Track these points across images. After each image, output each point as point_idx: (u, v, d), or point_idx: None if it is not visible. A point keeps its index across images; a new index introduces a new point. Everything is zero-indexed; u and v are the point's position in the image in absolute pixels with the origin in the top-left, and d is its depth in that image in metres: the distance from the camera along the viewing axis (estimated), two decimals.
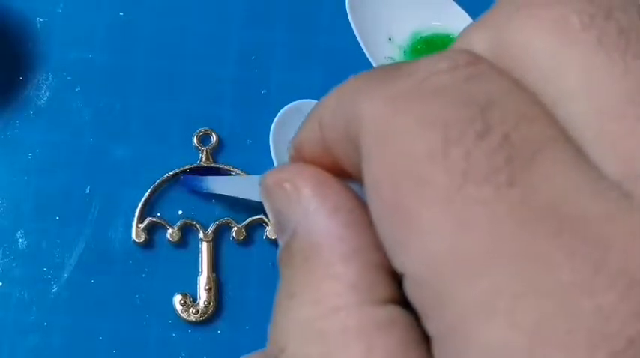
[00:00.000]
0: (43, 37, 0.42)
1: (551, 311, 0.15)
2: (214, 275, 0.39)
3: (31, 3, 0.43)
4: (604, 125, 0.17)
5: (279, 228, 0.21)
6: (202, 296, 0.38)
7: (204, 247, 0.39)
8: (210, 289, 0.38)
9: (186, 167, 0.40)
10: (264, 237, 0.40)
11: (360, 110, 0.19)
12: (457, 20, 0.43)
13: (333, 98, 0.21)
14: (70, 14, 0.43)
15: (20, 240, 0.39)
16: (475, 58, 0.19)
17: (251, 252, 0.40)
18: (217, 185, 0.38)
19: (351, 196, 0.20)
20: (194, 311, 0.38)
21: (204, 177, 0.39)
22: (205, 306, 0.38)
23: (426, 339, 0.18)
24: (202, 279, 0.39)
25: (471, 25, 0.20)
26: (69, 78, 0.42)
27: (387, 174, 0.18)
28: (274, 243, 0.40)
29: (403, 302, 0.18)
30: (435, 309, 0.17)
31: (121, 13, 0.43)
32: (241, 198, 0.38)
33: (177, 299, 0.38)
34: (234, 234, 0.39)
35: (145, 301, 0.38)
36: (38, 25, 0.42)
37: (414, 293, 0.17)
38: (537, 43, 0.18)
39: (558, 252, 0.15)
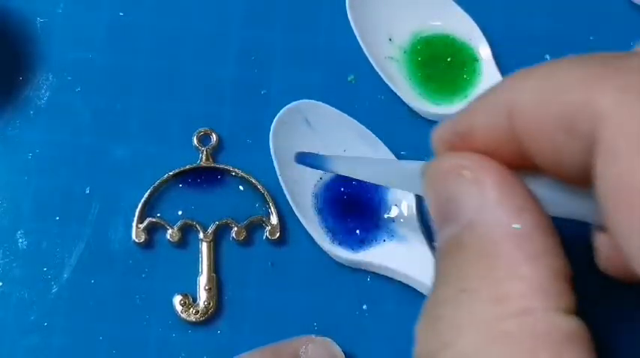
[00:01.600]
0: (43, 37, 0.42)
1: None
2: (214, 275, 0.39)
3: (31, 3, 0.43)
4: None
5: (445, 217, 0.20)
6: (202, 296, 0.38)
7: (204, 247, 0.39)
8: (210, 289, 0.38)
9: (187, 167, 0.40)
10: (264, 237, 0.40)
11: (597, 102, 0.17)
12: (457, 20, 0.43)
13: (535, 86, 0.19)
14: (70, 14, 0.43)
15: (20, 240, 0.39)
16: None
17: (251, 252, 0.40)
18: (343, 166, 0.36)
19: (533, 197, 0.19)
20: (194, 311, 0.38)
21: (324, 156, 0.37)
22: (205, 306, 0.38)
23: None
24: (202, 279, 0.39)
25: None
26: (69, 78, 0.42)
27: None
28: (274, 243, 0.40)
29: (580, 314, 0.18)
30: None
31: (121, 13, 0.43)
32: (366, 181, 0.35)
33: (177, 299, 0.38)
34: (234, 234, 0.39)
35: (145, 301, 0.38)
36: (38, 25, 0.42)
37: None
38: None
39: None
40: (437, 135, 0.23)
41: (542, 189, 0.21)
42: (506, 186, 0.19)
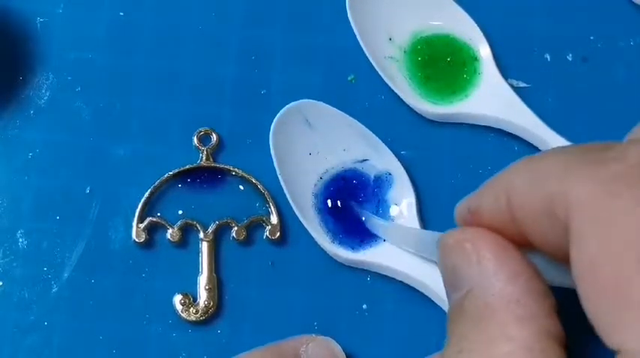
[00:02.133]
0: (43, 37, 0.42)
1: None
2: (214, 275, 0.39)
3: (31, 3, 0.43)
4: None
5: (453, 284, 0.22)
6: (202, 296, 0.38)
7: (204, 247, 0.39)
8: (210, 289, 0.38)
9: (187, 167, 0.40)
10: (264, 237, 0.40)
11: (570, 192, 0.19)
12: (457, 20, 0.43)
13: (527, 174, 0.21)
14: (70, 14, 0.43)
15: (20, 240, 0.39)
16: None
17: (251, 252, 0.40)
18: (394, 236, 0.38)
19: (529, 264, 0.21)
20: (194, 311, 0.38)
21: (384, 222, 0.39)
22: (205, 306, 0.38)
23: None
24: (202, 279, 0.39)
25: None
26: (69, 78, 0.42)
27: (608, 256, 0.18)
28: (274, 242, 0.40)
29: None
30: None
31: (121, 13, 0.43)
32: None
33: (177, 299, 0.38)
34: (234, 234, 0.39)
35: (145, 301, 0.38)
36: (38, 25, 0.42)
37: None
38: None
39: None
40: (457, 210, 0.26)
41: (538, 263, 0.22)
42: (503, 256, 0.22)
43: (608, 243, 0.18)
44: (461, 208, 0.25)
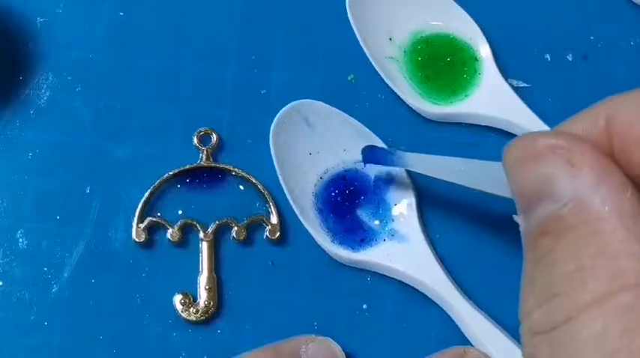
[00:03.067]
0: (43, 37, 0.42)
1: None
2: (214, 275, 0.39)
3: (31, 3, 0.43)
4: None
5: (541, 196, 0.20)
6: (202, 296, 0.38)
7: (204, 247, 0.39)
8: (210, 289, 0.38)
9: (187, 167, 0.40)
10: (264, 237, 0.40)
11: None
12: (457, 20, 0.43)
13: (636, 101, 0.20)
14: (70, 14, 0.43)
15: (20, 240, 0.39)
16: None
17: (251, 252, 0.40)
18: (416, 163, 0.36)
19: (625, 176, 0.20)
20: (194, 311, 0.38)
21: (390, 150, 0.37)
22: (205, 306, 0.38)
23: None
24: (202, 279, 0.39)
25: None
26: (69, 78, 0.42)
27: None
28: (274, 242, 0.40)
29: None
30: None
31: (121, 13, 0.43)
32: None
33: (177, 299, 0.38)
34: (234, 234, 0.39)
35: (145, 301, 0.38)
36: (38, 25, 0.42)
37: None
38: None
39: None
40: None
41: None
42: (604, 166, 0.20)
43: None
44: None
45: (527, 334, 0.20)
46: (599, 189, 0.19)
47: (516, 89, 0.42)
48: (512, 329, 0.37)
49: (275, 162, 0.40)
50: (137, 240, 0.39)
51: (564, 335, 0.19)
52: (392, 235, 0.39)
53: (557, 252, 0.20)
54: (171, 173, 0.40)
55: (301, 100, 0.41)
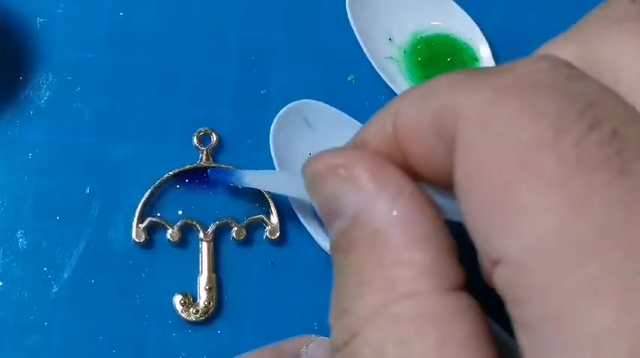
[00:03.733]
0: (43, 37, 0.42)
1: None
2: (214, 275, 0.39)
3: (31, 3, 0.43)
4: None
5: (331, 214, 0.21)
6: (202, 296, 0.38)
7: (204, 247, 0.39)
8: (210, 289, 0.38)
9: (187, 167, 0.40)
10: (264, 237, 0.40)
11: (459, 101, 0.19)
12: (457, 20, 0.43)
13: (414, 94, 0.21)
14: (70, 14, 0.43)
15: (20, 240, 0.39)
16: (569, 63, 0.19)
17: (251, 252, 0.40)
18: (247, 179, 0.38)
19: (409, 179, 0.20)
20: (194, 311, 0.38)
21: (233, 170, 0.39)
22: (205, 306, 0.38)
23: (489, 327, 0.18)
24: (202, 279, 0.39)
25: (552, 40, 0.21)
26: (69, 78, 0.42)
27: (492, 159, 0.17)
28: (274, 242, 0.40)
29: (467, 288, 0.18)
30: (536, 295, 0.16)
31: (121, 13, 0.43)
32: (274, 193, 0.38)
33: (177, 299, 0.38)
34: (234, 234, 0.39)
35: (145, 301, 0.38)
36: (38, 25, 0.42)
37: (511, 279, 0.17)
38: (630, 52, 0.19)
39: None
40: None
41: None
42: (381, 175, 0.20)
43: (491, 149, 0.17)
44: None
45: (331, 351, 0.21)
46: (377, 199, 0.20)
47: None
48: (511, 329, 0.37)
49: (275, 162, 0.40)
50: (137, 240, 0.39)
51: (352, 352, 0.19)
52: None
53: (345, 268, 0.20)
54: (171, 173, 0.40)
55: (301, 100, 0.41)
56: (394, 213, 0.19)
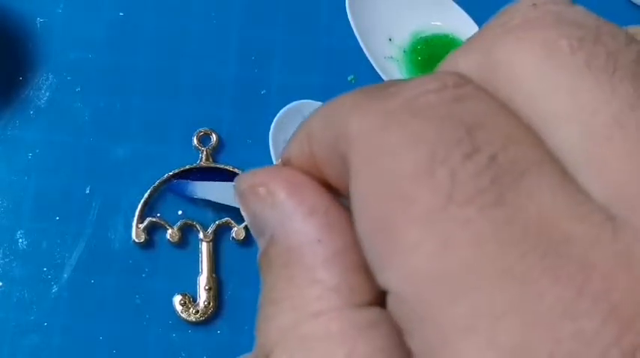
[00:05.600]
0: (43, 37, 0.42)
1: (531, 333, 0.15)
2: (214, 275, 0.39)
3: (31, 3, 0.43)
4: (590, 148, 0.17)
5: (256, 232, 0.21)
6: (202, 296, 0.38)
7: (204, 247, 0.39)
8: (210, 289, 0.38)
9: (186, 167, 0.40)
10: None
11: (349, 126, 0.19)
12: (457, 20, 0.43)
13: (322, 114, 0.21)
14: (70, 14, 0.43)
15: (20, 240, 0.39)
16: (462, 80, 0.19)
17: (251, 252, 0.40)
18: (200, 190, 0.38)
19: (326, 197, 0.20)
20: (194, 311, 0.38)
21: (190, 182, 0.39)
22: (205, 306, 0.38)
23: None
24: (202, 279, 0.39)
25: (458, 48, 0.20)
26: (69, 78, 0.42)
27: (374, 191, 0.17)
28: None
29: (383, 302, 0.18)
30: (416, 327, 0.16)
31: (121, 13, 0.43)
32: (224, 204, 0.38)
33: (177, 299, 0.38)
34: (234, 234, 0.39)
35: (145, 301, 0.38)
36: (38, 25, 0.42)
37: (397, 309, 0.17)
38: (525, 65, 0.18)
39: (542, 273, 0.15)
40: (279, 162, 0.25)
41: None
42: (298, 193, 0.20)
43: (375, 180, 0.17)
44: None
45: None
46: (292, 217, 0.20)
47: None
48: None
49: (275, 162, 0.40)
50: (137, 240, 0.39)
51: None
52: None
53: (263, 286, 0.21)
54: (171, 173, 0.40)
55: (301, 100, 0.41)
56: (306, 230, 0.19)
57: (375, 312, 0.18)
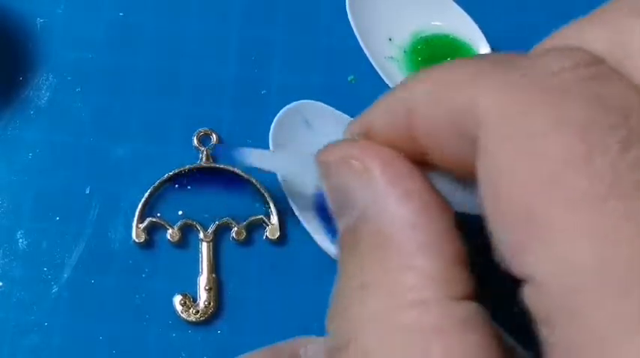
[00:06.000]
0: (43, 37, 0.42)
1: None
2: (214, 275, 0.39)
3: (31, 3, 0.43)
4: None
5: (341, 206, 0.20)
6: (202, 296, 0.38)
7: (204, 247, 0.39)
8: (210, 289, 0.38)
9: (187, 167, 0.40)
10: (264, 237, 0.40)
11: (479, 104, 0.17)
12: (457, 20, 0.43)
13: (430, 86, 0.19)
14: (70, 14, 0.43)
15: (20, 240, 0.39)
16: (594, 58, 0.17)
17: (251, 252, 0.40)
18: (256, 158, 0.36)
19: (421, 179, 0.19)
20: (194, 311, 0.38)
21: (241, 148, 0.37)
22: (205, 306, 0.38)
23: (499, 336, 0.17)
24: (202, 279, 0.39)
25: (582, 20, 0.19)
26: (69, 78, 0.42)
27: (516, 174, 0.16)
28: (274, 243, 0.40)
29: (477, 296, 0.18)
30: (561, 321, 0.15)
31: (120, 13, 0.43)
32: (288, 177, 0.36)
33: (177, 299, 0.38)
34: (234, 234, 0.39)
35: (145, 301, 0.38)
36: (38, 25, 0.42)
37: (536, 300, 0.16)
38: None
39: None
40: (347, 132, 0.23)
41: (439, 186, 0.20)
42: (394, 171, 0.19)
43: (516, 161, 0.16)
44: (350, 128, 0.22)
45: (325, 351, 0.20)
46: (387, 197, 0.19)
47: None
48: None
49: None
50: (137, 240, 0.39)
51: (347, 355, 0.18)
52: None
53: (349, 267, 0.19)
54: (171, 173, 0.40)
55: (301, 100, 0.41)
56: (400, 214, 0.18)
57: (471, 307, 0.18)
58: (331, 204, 0.21)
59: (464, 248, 0.19)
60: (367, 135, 0.21)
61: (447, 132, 0.19)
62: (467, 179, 0.20)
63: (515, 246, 0.17)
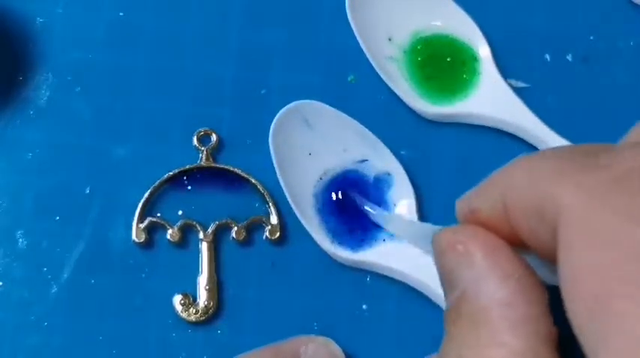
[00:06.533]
0: (43, 37, 0.42)
1: None
2: (214, 275, 0.39)
3: (31, 3, 0.43)
4: None
5: (448, 286, 0.22)
6: (202, 296, 0.38)
7: (204, 247, 0.39)
8: (210, 289, 0.38)
9: (187, 167, 0.40)
10: (264, 237, 0.40)
11: (559, 196, 0.19)
12: (457, 20, 0.43)
13: (524, 176, 0.21)
14: (70, 14, 0.43)
15: (20, 240, 0.39)
16: None
17: (251, 252, 0.40)
18: (392, 224, 0.38)
19: (521, 264, 0.21)
20: (194, 311, 0.38)
21: (386, 213, 0.39)
22: (205, 306, 0.38)
23: None
24: (202, 279, 0.39)
25: None
26: (69, 78, 0.42)
27: (593, 269, 0.17)
28: (274, 243, 0.40)
29: None
30: None
31: (120, 13, 0.43)
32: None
33: (177, 299, 0.38)
34: (234, 234, 0.39)
35: (145, 301, 0.38)
36: (38, 25, 0.42)
37: None
38: None
39: None
40: (458, 206, 0.25)
41: (531, 262, 0.22)
42: (494, 256, 0.21)
43: (592, 257, 0.17)
44: (461, 205, 0.25)
45: None
46: (487, 278, 0.20)
47: (516, 89, 0.42)
48: None
49: (275, 163, 0.40)
50: (137, 240, 0.39)
51: None
52: (392, 235, 0.39)
53: (451, 339, 0.21)
54: (171, 173, 0.40)
55: (301, 100, 0.41)
56: (499, 294, 0.20)
57: None
58: (441, 281, 0.23)
59: (554, 328, 0.20)
60: (476, 214, 0.23)
61: (532, 218, 0.20)
62: (551, 259, 0.21)
63: (592, 337, 0.18)
